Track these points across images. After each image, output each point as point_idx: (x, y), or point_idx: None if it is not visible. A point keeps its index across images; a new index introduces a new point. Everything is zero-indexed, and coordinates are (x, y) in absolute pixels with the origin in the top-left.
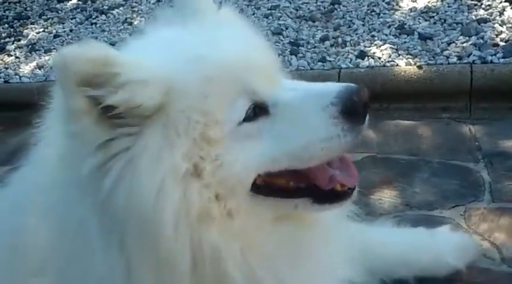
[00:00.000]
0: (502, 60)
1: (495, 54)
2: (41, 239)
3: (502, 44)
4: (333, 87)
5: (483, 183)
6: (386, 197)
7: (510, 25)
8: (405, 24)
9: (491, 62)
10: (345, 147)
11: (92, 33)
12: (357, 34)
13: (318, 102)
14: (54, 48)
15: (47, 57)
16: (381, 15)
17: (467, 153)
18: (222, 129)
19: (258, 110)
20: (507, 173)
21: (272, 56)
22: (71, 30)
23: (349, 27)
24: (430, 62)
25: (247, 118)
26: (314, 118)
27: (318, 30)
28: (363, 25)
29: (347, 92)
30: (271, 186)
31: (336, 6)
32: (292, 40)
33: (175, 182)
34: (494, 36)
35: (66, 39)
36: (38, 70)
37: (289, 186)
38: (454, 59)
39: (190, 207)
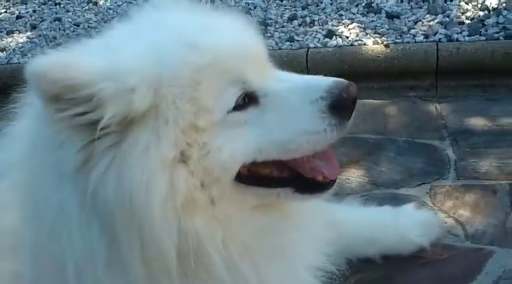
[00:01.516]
0: (467, 38)
1: (461, 33)
2: (12, 218)
3: (467, 22)
4: (323, 81)
5: (448, 160)
6: (353, 176)
7: (476, 3)
8: (373, 2)
9: (457, 40)
10: (330, 141)
11: (56, 13)
12: (325, 13)
13: (307, 95)
14: (16, 30)
15: (9, 39)
16: None
17: (433, 131)
18: (211, 117)
19: (248, 100)
20: (472, 150)
21: (263, 46)
22: (34, 11)
23: (317, 6)
24: (397, 40)
25: (237, 107)
26: (302, 111)
27: (286, 9)
28: (331, 4)
29: (337, 87)
30: (254, 175)
31: None
32: (260, 19)
33: (163, 170)
34: (460, 14)
35: (29, 21)
36: (0, 52)
37: (273, 176)
38: (421, 38)
39: (176, 194)
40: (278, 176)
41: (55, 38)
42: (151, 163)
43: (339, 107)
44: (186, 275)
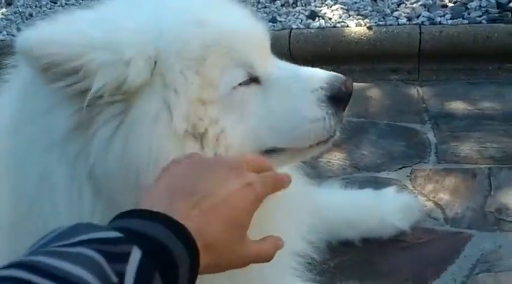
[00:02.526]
0: (450, 21)
1: (444, 15)
2: None
3: (450, 5)
4: (324, 73)
5: (429, 144)
6: (334, 159)
7: None
8: None
9: (440, 23)
10: (329, 130)
11: None
12: None
13: (308, 84)
14: None
15: None
16: None
17: (415, 114)
18: (216, 92)
19: (252, 81)
20: (452, 134)
21: (267, 33)
22: None
23: None
24: (380, 22)
25: (242, 84)
26: (303, 98)
27: None
28: None
29: (337, 80)
30: None
31: None
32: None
33: (175, 142)
34: None
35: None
36: None
37: None
38: (404, 20)
39: None
40: None
41: (31, 15)
42: (162, 133)
43: (337, 99)
44: None
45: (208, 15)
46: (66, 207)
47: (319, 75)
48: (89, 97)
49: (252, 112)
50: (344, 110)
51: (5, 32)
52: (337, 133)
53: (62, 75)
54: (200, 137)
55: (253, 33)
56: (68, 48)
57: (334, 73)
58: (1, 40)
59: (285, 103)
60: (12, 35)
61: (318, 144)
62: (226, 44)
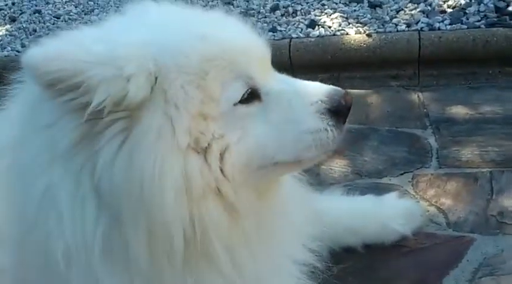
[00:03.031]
0: (449, 27)
1: (443, 21)
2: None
3: (449, 10)
4: (323, 86)
5: (430, 149)
6: (336, 166)
7: None
8: None
9: (439, 28)
10: (332, 140)
11: (36, 5)
12: (307, 3)
13: (308, 97)
14: None
15: None
16: None
17: (416, 120)
18: (217, 107)
19: (252, 96)
20: (453, 138)
21: (267, 47)
22: (13, 3)
23: None
24: (379, 29)
25: (243, 101)
26: (303, 111)
27: None
28: None
29: (336, 94)
30: None
31: None
32: (242, 10)
33: (177, 156)
34: (442, 3)
35: (8, 13)
36: None
37: None
38: (403, 27)
39: (190, 182)
40: None
41: (35, 30)
42: (165, 148)
43: (337, 112)
44: (189, 262)
45: (208, 29)
46: (70, 220)
47: (319, 89)
48: (88, 111)
49: (255, 128)
50: (344, 123)
51: (9, 48)
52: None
53: (65, 90)
54: (203, 152)
55: (253, 46)
56: (70, 64)
57: (334, 87)
58: (5, 56)
59: (286, 117)
60: (17, 51)
61: (317, 156)
62: (227, 57)
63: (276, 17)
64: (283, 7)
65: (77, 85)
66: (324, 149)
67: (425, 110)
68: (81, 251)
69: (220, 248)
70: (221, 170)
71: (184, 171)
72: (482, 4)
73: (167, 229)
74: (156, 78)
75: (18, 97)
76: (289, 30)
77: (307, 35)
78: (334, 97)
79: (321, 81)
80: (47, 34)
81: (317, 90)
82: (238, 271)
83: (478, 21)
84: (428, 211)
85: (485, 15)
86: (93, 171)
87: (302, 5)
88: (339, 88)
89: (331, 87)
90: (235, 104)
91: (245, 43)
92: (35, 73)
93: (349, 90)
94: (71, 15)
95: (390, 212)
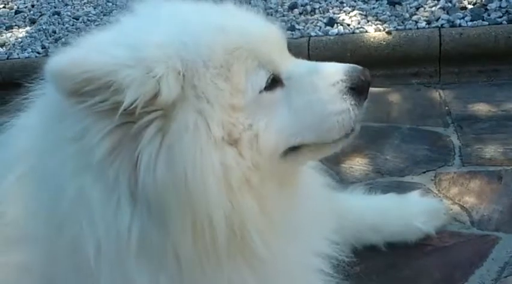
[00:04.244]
0: (470, 23)
1: (463, 18)
2: (19, 210)
3: (470, 7)
4: (341, 65)
5: (453, 147)
6: (357, 165)
7: None
8: None
9: (460, 25)
10: (354, 120)
11: (55, 7)
12: (325, 1)
13: (328, 78)
14: (15, 25)
15: (8, 34)
16: None
17: (437, 117)
18: (244, 97)
19: (275, 81)
20: (476, 136)
21: (283, 33)
22: (32, 6)
23: None
24: (399, 27)
25: (267, 88)
26: (325, 93)
27: None
28: None
29: (354, 70)
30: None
31: None
32: (260, 9)
33: (215, 150)
34: None
35: (28, 15)
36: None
37: None
38: (423, 24)
39: (229, 174)
40: None
41: (54, 32)
42: (202, 143)
43: (358, 88)
44: (227, 258)
45: (224, 21)
46: (102, 219)
47: (338, 68)
48: (120, 111)
49: (281, 114)
50: (366, 99)
51: (29, 49)
52: (358, 127)
53: (93, 92)
54: (235, 143)
55: (269, 33)
56: (98, 66)
57: (351, 64)
58: (26, 57)
59: (309, 100)
60: (37, 52)
61: (341, 138)
62: (247, 47)
63: (294, 16)
64: (302, 5)
65: (107, 86)
66: (345, 129)
67: (446, 108)
68: (113, 249)
69: (256, 238)
70: (252, 159)
71: (222, 163)
72: (503, 0)
73: (211, 222)
74: (184, 76)
75: (37, 107)
76: (307, 29)
77: (326, 33)
78: (353, 74)
79: None
80: (66, 35)
81: (336, 69)
82: (273, 263)
83: (500, 17)
84: (451, 209)
85: (506, 11)
86: (130, 174)
87: (320, 3)
88: (356, 65)
89: (348, 65)
90: (260, 92)
91: (262, 31)
92: (60, 79)
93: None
94: (89, 16)
95: (413, 210)
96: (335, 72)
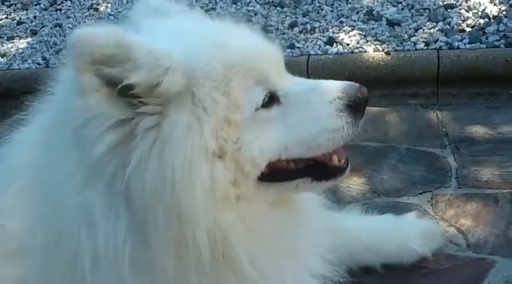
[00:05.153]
0: (468, 46)
1: (461, 40)
2: (19, 222)
3: (468, 29)
4: (338, 83)
5: (450, 168)
6: (354, 184)
7: (476, 11)
8: (373, 10)
9: (458, 47)
10: (346, 138)
11: (57, 19)
12: (325, 20)
13: (325, 95)
14: (17, 36)
15: (9, 45)
16: (350, 1)
17: (435, 138)
18: (241, 113)
19: (271, 99)
20: (473, 158)
21: (281, 52)
22: (34, 17)
23: (318, 13)
24: (398, 48)
25: (264, 105)
26: (322, 110)
27: (286, 16)
28: (332, 11)
29: (352, 88)
30: (273, 171)
31: None
32: (260, 26)
33: (205, 159)
34: (461, 22)
35: (29, 26)
36: (0, 58)
37: (290, 168)
38: (422, 45)
39: (216, 186)
40: (295, 168)
41: (55, 43)
42: (194, 148)
43: (354, 106)
44: (215, 271)
45: (226, 38)
46: (103, 235)
47: (335, 86)
48: (121, 86)
49: (273, 131)
50: (362, 117)
51: (30, 61)
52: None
53: (112, 63)
54: (224, 157)
55: (267, 51)
56: (126, 43)
57: (348, 82)
58: (26, 68)
59: (305, 116)
60: (38, 64)
61: None
62: (245, 64)
63: (294, 34)
64: (302, 24)
65: (126, 60)
66: (335, 146)
67: (444, 129)
68: (110, 262)
69: (242, 256)
70: (235, 174)
71: (211, 177)
72: (501, 24)
73: (196, 233)
74: (186, 78)
75: (37, 120)
76: (307, 47)
77: (325, 52)
78: (350, 91)
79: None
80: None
81: (333, 87)
82: (263, 280)
83: (498, 40)
84: (447, 231)
85: (504, 35)
86: (124, 173)
87: (320, 22)
88: (353, 83)
89: (346, 82)
90: (256, 109)
91: (260, 48)
92: (90, 44)
93: (367, 108)
94: None
95: (409, 232)
96: (332, 89)
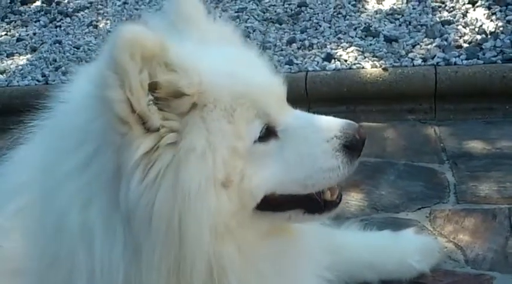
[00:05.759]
0: (465, 62)
1: (459, 56)
2: (16, 243)
3: (465, 45)
4: (337, 121)
5: (448, 184)
6: (353, 200)
7: (473, 27)
8: (371, 26)
9: (455, 63)
10: (342, 178)
11: (56, 36)
12: (323, 36)
13: (323, 133)
14: (16, 52)
15: (9, 62)
16: (347, 17)
17: (433, 154)
18: (244, 144)
19: (269, 132)
20: (471, 174)
21: (284, 86)
22: (34, 34)
23: (316, 29)
24: (395, 64)
25: (261, 138)
26: (318, 148)
27: (285, 32)
28: (330, 27)
29: (350, 128)
30: (267, 201)
31: (303, 8)
32: (259, 43)
33: (213, 188)
34: (458, 38)
35: (29, 43)
36: (0, 75)
37: (283, 200)
38: (419, 61)
39: (219, 218)
40: (287, 200)
41: (55, 60)
42: (207, 176)
43: (351, 147)
44: None
45: (236, 68)
46: (101, 254)
47: (333, 124)
48: (152, 80)
49: (270, 166)
50: (358, 157)
51: (29, 77)
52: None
53: (149, 62)
54: (228, 188)
55: (271, 85)
56: (165, 47)
57: (347, 121)
58: (26, 85)
59: (302, 152)
60: (37, 80)
61: None
62: (250, 96)
63: (293, 50)
64: (300, 40)
65: (162, 63)
66: (330, 185)
67: (442, 145)
68: (105, 281)
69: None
70: (237, 205)
71: (216, 207)
72: (498, 39)
73: (195, 261)
74: (203, 99)
75: (38, 139)
76: (305, 63)
77: (324, 68)
78: (348, 131)
79: (337, 113)
80: (67, 64)
81: (331, 125)
82: None
83: (495, 56)
84: (446, 247)
85: (501, 51)
86: (132, 191)
87: (318, 39)
88: (353, 122)
89: (345, 121)
90: (254, 142)
91: (265, 82)
92: (136, 43)
93: (365, 124)
94: (90, 46)
95: (408, 248)
96: (330, 127)
